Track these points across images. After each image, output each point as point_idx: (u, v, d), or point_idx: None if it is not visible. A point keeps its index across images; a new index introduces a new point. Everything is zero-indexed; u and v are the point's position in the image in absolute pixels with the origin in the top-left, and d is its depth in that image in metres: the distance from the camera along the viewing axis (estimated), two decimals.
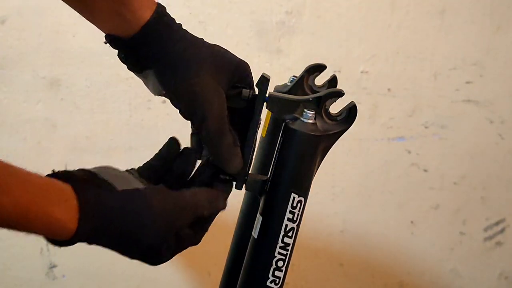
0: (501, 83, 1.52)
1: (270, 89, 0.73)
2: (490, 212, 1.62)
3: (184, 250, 1.52)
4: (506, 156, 1.58)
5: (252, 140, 0.72)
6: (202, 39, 0.72)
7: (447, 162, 1.55)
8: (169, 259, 0.69)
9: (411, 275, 1.63)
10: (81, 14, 0.69)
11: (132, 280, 1.46)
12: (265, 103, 0.71)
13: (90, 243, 0.65)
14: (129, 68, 0.71)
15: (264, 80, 0.70)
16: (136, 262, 1.57)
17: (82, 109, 1.32)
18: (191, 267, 1.49)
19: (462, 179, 1.57)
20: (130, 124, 1.35)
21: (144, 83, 0.72)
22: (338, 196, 1.52)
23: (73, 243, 0.64)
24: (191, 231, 0.68)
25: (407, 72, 1.46)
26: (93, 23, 0.70)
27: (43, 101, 1.30)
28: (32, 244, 1.38)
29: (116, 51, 0.70)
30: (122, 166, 1.47)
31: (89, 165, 1.46)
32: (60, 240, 0.63)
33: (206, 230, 0.72)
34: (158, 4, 0.68)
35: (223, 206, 0.70)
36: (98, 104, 1.32)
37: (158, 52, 0.67)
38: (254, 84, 0.71)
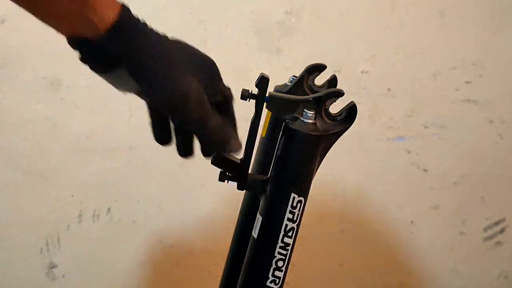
0: (500, 83, 1.52)
1: (270, 89, 0.73)
2: (490, 212, 1.62)
3: (184, 250, 1.53)
4: (506, 156, 1.58)
5: (252, 140, 0.72)
6: (167, 36, 0.72)
7: (447, 162, 1.55)
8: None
9: (411, 275, 1.63)
10: (37, 16, 0.67)
11: (132, 280, 1.46)
12: (265, 103, 0.71)
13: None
14: (92, 68, 0.69)
15: (264, 80, 0.70)
16: (136, 262, 1.57)
17: (82, 109, 1.32)
18: (191, 267, 1.49)
19: (462, 179, 1.58)
20: (130, 124, 1.35)
21: (109, 82, 0.71)
22: (338, 196, 1.52)
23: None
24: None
25: (407, 72, 1.46)
26: (52, 26, 0.68)
27: (44, 101, 1.30)
28: (32, 244, 1.38)
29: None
30: (122, 166, 1.48)
31: (89, 165, 1.47)
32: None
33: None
34: (123, 4, 0.68)
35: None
36: (98, 104, 1.32)
37: (129, 51, 0.67)
38: (255, 84, 0.71)
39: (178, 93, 0.68)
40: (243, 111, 1.43)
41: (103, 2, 0.65)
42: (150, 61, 0.68)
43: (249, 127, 0.72)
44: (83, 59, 0.69)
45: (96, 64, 0.69)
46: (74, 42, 0.67)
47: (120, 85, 0.71)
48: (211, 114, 0.70)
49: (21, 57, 1.26)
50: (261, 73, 0.71)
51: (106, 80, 0.71)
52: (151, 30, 0.71)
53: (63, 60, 1.26)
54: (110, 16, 0.65)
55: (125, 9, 0.68)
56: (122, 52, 0.67)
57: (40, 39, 1.25)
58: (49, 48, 1.25)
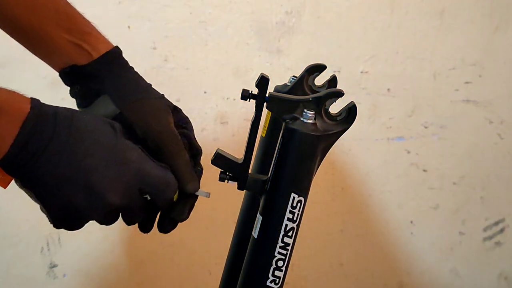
0: (500, 83, 1.53)
1: (270, 89, 0.73)
2: (489, 212, 1.62)
3: (185, 249, 1.52)
4: (505, 156, 1.58)
5: (252, 140, 0.72)
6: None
7: (446, 162, 1.56)
8: (112, 218, 0.69)
9: (411, 275, 1.64)
10: (33, 51, 0.76)
11: (132, 279, 1.46)
12: (265, 103, 0.72)
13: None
14: (79, 102, 0.76)
15: (264, 80, 0.70)
16: (136, 262, 1.57)
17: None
18: (192, 266, 1.49)
19: (462, 179, 1.58)
20: None
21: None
22: (338, 196, 1.52)
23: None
24: (142, 201, 0.67)
25: (407, 72, 1.46)
26: (46, 59, 0.76)
27: (44, 100, 1.30)
28: (33, 244, 1.38)
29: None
30: None
31: None
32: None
33: (149, 217, 0.72)
34: (116, 46, 0.75)
35: (169, 194, 0.69)
36: None
37: (115, 75, 0.73)
38: (255, 84, 0.71)
39: (155, 120, 0.71)
40: (243, 111, 1.44)
41: (98, 38, 0.73)
42: (131, 87, 0.73)
43: (249, 127, 0.72)
44: (72, 92, 0.76)
45: (82, 93, 0.75)
46: (68, 69, 0.74)
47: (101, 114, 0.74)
48: (183, 147, 0.72)
49: (22, 56, 1.26)
50: (261, 73, 0.71)
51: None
52: (136, 72, 0.76)
53: None
54: (101, 49, 0.73)
55: (117, 48, 0.75)
56: (109, 76, 0.72)
57: None
58: None
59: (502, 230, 1.64)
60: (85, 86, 0.74)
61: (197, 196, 0.75)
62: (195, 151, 0.76)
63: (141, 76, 0.76)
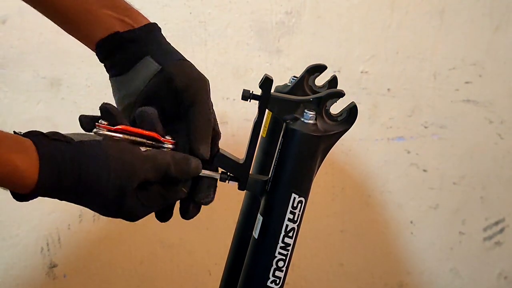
0: (500, 83, 1.53)
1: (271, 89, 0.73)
2: (489, 212, 1.62)
3: (185, 250, 1.52)
4: (505, 156, 1.58)
5: (254, 141, 0.72)
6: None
7: (446, 162, 1.56)
8: (141, 214, 0.73)
9: (410, 275, 1.64)
10: (69, 30, 0.79)
11: (132, 279, 1.46)
12: None
13: (52, 196, 0.67)
14: (115, 72, 0.76)
15: (268, 81, 0.70)
16: (136, 262, 1.57)
17: (83, 109, 1.32)
18: (192, 267, 1.49)
19: (462, 179, 1.58)
20: None
21: (117, 88, 0.77)
22: (338, 196, 1.52)
23: (35, 196, 0.67)
24: (162, 189, 0.70)
25: (407, 72, 1.46)
26: (85, 36, 0.78)
27: (44, 101, 1.30)
28: (33, 244, 1.38)
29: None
30: None
31: None
32: (22, 193, 0.66)
33: (179, 193, 0.73)
34: (155, 22, 0.79)
35: (194, 169, 0.70)
36: (99, 104, 1.31)
37: (157, 41, 0.77)
38: (258, 85, 0.71)
39: (195, 78, 0.74)
40: (243, 111, 1.44)
41: (139, 14, 0.78)
42: (172, 51, 0.77)
43: (251, 128, 0.72)
44: (107, 57, 0.76)
45: (121, 59, 0.75)
46: (105, 40, 0.75)
47: (141, 78, 0.75)
48: (213, 111, 0.73)
49: (21, 57, 1.26)
50: (265, 74, 0.71)
51: (117, 87, 0.77)
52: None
53: (63, 60, 1.26)
54: (143, 21, 0.77)
55: (156, 24, 0.79)
56: (150, 40, 0.76)
57: (40, 39, 1.25)
58: (49, 48, 1.25)
59: (502, 230, 1.64)
60: (127, 51, 0.75)
61: (216, 179, 0.74)
62: (215, 135, 0.76)
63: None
